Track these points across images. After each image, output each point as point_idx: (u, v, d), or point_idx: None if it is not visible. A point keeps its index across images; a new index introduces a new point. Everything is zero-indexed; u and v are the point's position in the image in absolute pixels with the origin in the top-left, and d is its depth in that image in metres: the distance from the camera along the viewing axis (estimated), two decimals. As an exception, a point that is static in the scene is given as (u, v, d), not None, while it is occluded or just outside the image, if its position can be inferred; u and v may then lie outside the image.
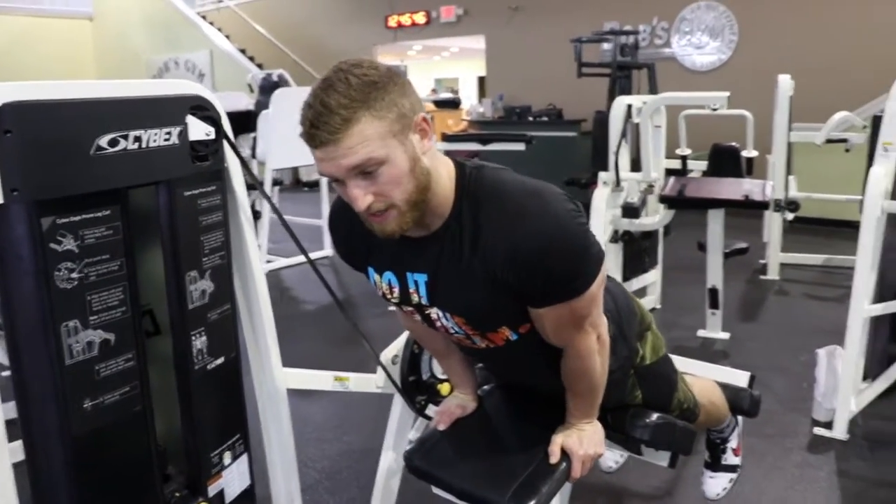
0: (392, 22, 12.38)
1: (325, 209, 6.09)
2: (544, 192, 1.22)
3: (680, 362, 1.88)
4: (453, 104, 11.01)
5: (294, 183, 9.65)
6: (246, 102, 6.50)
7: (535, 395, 1.60)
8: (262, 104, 5.62)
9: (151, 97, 1.32)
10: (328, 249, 6.21)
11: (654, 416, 1.52)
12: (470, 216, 1.24)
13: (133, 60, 12.80)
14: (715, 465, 1.98)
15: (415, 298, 1.35)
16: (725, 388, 1.89)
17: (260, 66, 11.98)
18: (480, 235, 1.22)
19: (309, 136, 1.11)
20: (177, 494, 1.43)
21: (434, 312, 1.34)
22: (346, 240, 1.41)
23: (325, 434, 2.93)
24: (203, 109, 1.42)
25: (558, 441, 1.43)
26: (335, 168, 1.13)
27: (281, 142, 5.45)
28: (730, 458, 1.97)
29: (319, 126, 1.09)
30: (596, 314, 1.33)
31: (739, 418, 2.00)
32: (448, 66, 20.45)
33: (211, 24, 12.74)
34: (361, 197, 1.14)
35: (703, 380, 1.81)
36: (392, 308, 1.49)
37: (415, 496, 2.38)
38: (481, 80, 17.98)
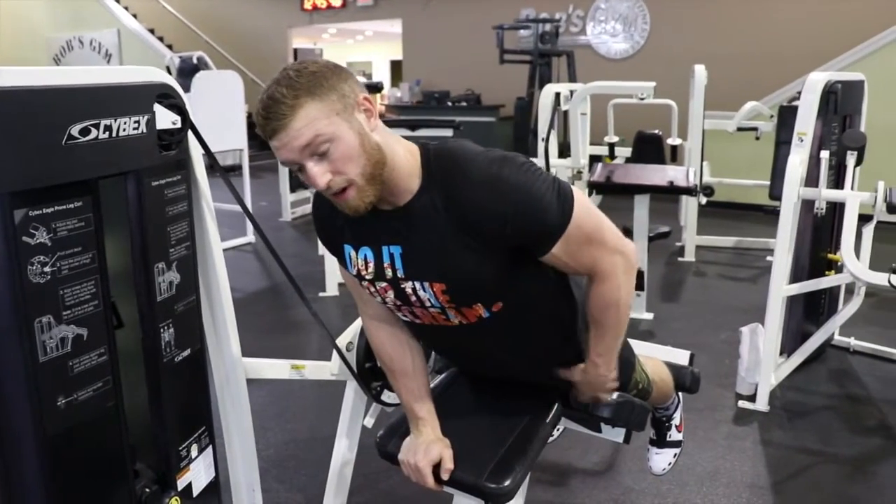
0: (308, 4, 12.19)
1: (248, 195, 5.99)
2: (508, 156, 1.31)
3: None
4: (375, 88, 10.93)
5: (209, 168, 9.39)
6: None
7: (498, 379, 1.65)
8: (182, 88, 5.43)
9: (119, 85, 1.29)
10: (251, 236, 6.13)
11: (615, 395, 1.58)
12: (442, 186, 1.28)
13: (31, 38, 12.11)
14: (660, 441, 2.08)
15: (389, 273, 1.37)
16: (669, 366, 1.98)
17: (170, 47, 11.57)
18: (458, 202, 1.27)
19: (262, 127, 1.21)
20: (147, 490, 1.40)
21: (410, 286, 1.36)
22: (326, 220, 1.43)
23: (268, 423, 2.91)
24: (169, 97, 1.39)
25: (577, 374, 1.52)
26: (290, 152, 1.20)
27: (201, 126, 5.30)
28: (674, 435, 2.07)
29: (269, 116, 1.19)
30: (613, 236, 1.37)
31: (680, 395, 2.11)
32: (362, 50, 20.27)
33: (117, 1, 12.20)
34: (320, 176, 1.21)
35: (652, 358, 1.90)
36: (366, 307, 1.52)
37: (363, 481, 2.42)
38: (394, 65, 17.91)
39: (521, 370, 1.59)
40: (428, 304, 1.38)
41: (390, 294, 1.40)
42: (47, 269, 1.15)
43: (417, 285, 1.36)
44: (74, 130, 1.17)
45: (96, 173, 1.23)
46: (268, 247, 1.71)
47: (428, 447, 1.44)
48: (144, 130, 1.32)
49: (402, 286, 1.37)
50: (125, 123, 1.27)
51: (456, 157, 1.30)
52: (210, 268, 1.62)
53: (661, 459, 2.09)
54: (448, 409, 1.56)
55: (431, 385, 1.71)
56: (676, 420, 2.08)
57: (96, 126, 1.21)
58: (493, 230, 1.26)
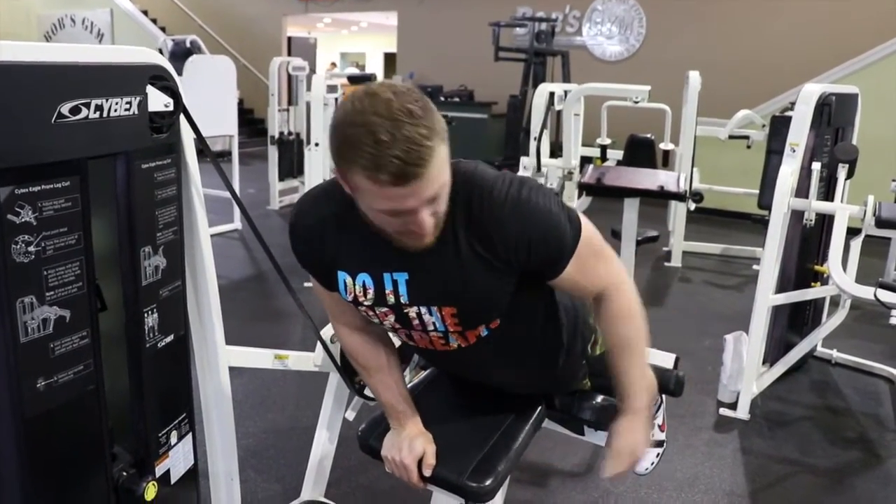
0: (304, -8, 12.12)
1: (237, 182, 5.95)
2: (524, 178, 1.30)
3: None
4: (367, 80, 10.89)
5: (198, 153, 9.31)
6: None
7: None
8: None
9: (112, 64, 1.26)
10: (237, 223, 6.09)
11: (599, 398, 1.58)
12: (462, 208, 1.25)
13: (23, 15, 11.97)
14: None
15: (391, 299, 1.34)
16: (653, 369, 1.98)
17: (163, 29, 11.48)
18: (479, 224, 1.25)
19: (401, 174, 1.06)
20: (125, 474, 1.39)
21: (414, 311, 1.34)
22: (314, 249, 1.37)
23: (247, 411, 2.89)
24: (162, 80, 1.36)
25: (617, 446, 1.41)
26: (417, 201, 1.12)
27: (192, 110, 5.25)
28: (657, 434, 2.07)
29: (412, 162, 1.06)
30: (612, 251, 1.39)
31: (664, 396, 2.11)
32: (356, 41, 20.22)
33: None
34: (429, 222, 1.16)
35: None
36: (340, 317, 1.51)
37: (342, 473, 2.41)
38: (388, 57, 17.85)
39: (508, 384, 1.59)
40: (431, 327, 1.36)
41: (390, 318, 1.38)
42: (31, 248, 1.13)
43: (423, 310, 1.34)
44: (64, 109, 1.14)
45: (85, 153, 1.20)
46: (256, 235, 1.70)
47: (412, 443, 1.42)
48: (136, 112, 1.30)
49: (406, 311, 1.35)
50: (116, 104, 1.25)
51: (476, 180, 1.27)
52: (197, 253, 1.60)
53: (644, 459, 2.09)
54: (431, 406, 1.55)
55: (415, 382, 1.70)
56: (659, 420, 2.07)
57: (87, 105, 1.18)
58: (516, 252, 1.25)
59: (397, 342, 1.61)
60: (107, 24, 11.00)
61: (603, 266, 1.37)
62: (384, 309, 1.36)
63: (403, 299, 1.33)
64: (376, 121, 1.06)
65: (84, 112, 1.18)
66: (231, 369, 1.80)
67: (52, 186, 1.15)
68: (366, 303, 1.37)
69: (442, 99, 9.72)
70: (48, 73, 1.12)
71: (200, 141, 1.53)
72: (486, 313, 1.35)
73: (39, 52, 1.12)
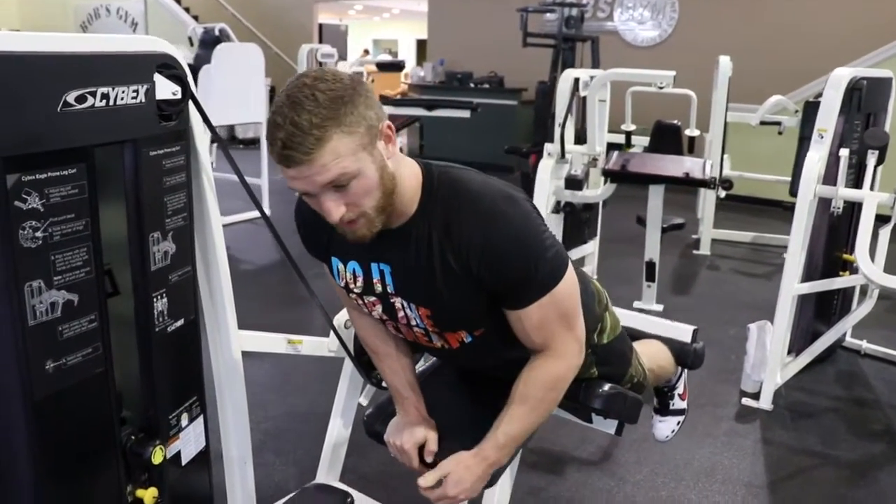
0: (335, -21, 12.12)
1: (265, 168, 6.00)
2: (514, 194, 1.29)
3: (628, 317, 1.95)
4: (396, 67, 10.88)
5: (229, 140, 9.42)
6: (186, 57, 6.31)
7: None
8: (203, 59, 5.45)
9: (119, 53, 1.28)
10: (266, 208, 6.14)
11: (607, 386, 1.57)
12: (440, 213, 1.27)
13: (59, 5, 12.16)
14: (663, 410, 2.07)
15: (378, 288, 1.36)
16: (670, 343, 1.95)
17: (196, 17, 11.56)
18: (453, 232, 1.25)
19: (282, 157, 1.12)
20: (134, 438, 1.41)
21: (399, 302, 1.36)
22: (311, 232, 1.43)
23: (268, 395, 2.93)
24: (170, 68, 1.38)
25: (447, 467, 1.37)
26: (308, 185, 1.15)
27: (221, 98, 5.32)
28: (677, 403, 2.06)
29: (293, 147, 1.10)
30: (582, 325, 1.37)
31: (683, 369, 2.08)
32: (388, 28, 20.21)
33: (145, -31, 12.19)
34: (335, 209, 1.18)
35: (652, 344, 1.88)
36: (348, 301, 1.52)
37: (358, 457, 2.43)
38: (420, 43, 17.82)
39: (507, 380, 1.58)
40: (413, 323, 1.38)
41: (378, 308, 1.41)
42: (39, 234, 1.15)
43: (405, 303, 1.36)
44: (70, 97, 1.17)
45: (91, 141, 1.22)
46: (265, 219, 1.72)
47: (413, 429, 1.44)
48: (143, 100, 1.32)
49: (392, 301, 1.37)
50: (123, 92, 1.27)
51: (460, 188, 1.27)
52: (208, 239, 1.62)
53: (665, 427, 2.08)
54: (435, 392, 1.56)
55: (421, 368, 1.71)
56: (679, 389, 2.06)
57: (93, 94, 1.20)
58: (482, 263, 1.24)
59: None
60: (140, 14, 11.12)
61: (562, 332, 1.33)
62: (372, 298, 1.38)
63: (390, 289, 1.35)
64: (282, 102, 1.12)
65: (90, 100, 1.20)
66: (253, 353, 1.82)
67: (58, 174, 1.17)
68: (355, 290, 1.39)
69: (472, 85, 9.67)
70: (53, 63, 1.14)
71: (209, 128, 1.54)
72: (459, 322, 1.35)
73: (45, 41, 1.14)
